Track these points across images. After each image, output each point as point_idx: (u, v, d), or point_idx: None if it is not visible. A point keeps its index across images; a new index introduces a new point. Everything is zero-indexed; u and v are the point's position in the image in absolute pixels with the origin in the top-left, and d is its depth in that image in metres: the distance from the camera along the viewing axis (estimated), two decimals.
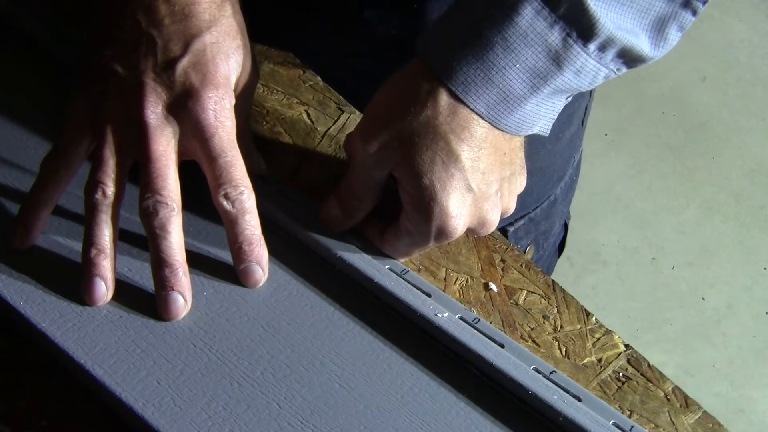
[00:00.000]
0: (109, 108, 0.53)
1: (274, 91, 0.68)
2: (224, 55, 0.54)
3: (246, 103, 0.59)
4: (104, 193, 0.52)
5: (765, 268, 1.93)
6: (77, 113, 0.54)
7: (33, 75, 0.67)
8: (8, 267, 0.54)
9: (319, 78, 0.70)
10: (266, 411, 0.49)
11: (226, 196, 0.53)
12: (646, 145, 2.14)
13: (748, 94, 2.26)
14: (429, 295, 0.55)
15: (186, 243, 0.53)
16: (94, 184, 0.52)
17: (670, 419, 0.53)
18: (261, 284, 0.55)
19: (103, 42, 0.54)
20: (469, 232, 0.55)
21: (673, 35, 0.54)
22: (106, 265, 0.52)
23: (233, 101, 0.55)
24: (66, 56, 0.67)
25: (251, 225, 0.53)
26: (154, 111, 0.52)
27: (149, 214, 0.51)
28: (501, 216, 0.56)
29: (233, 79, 0.55)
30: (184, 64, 0.53)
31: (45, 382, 0.51)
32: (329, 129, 0.67)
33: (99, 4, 0.56)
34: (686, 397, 0.54)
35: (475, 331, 0.53)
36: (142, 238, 0.54)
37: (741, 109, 2.23)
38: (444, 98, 0.52)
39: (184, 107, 0.53)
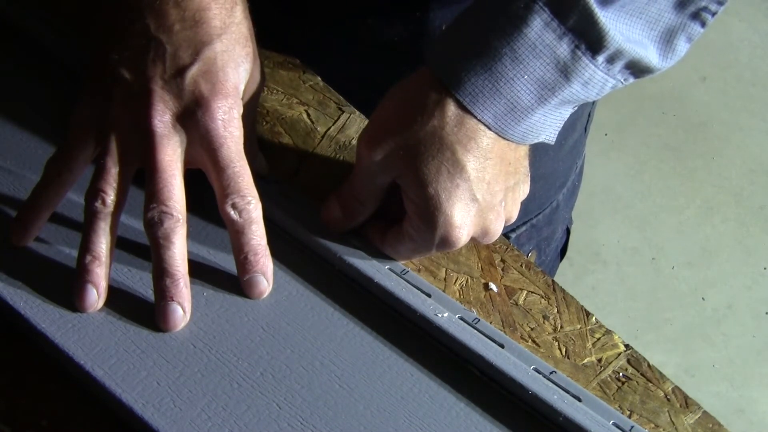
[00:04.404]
0: (115, 114, 0.52)
1: (274, 91, 0.68)
2: (234, 64, 0.54)
3: (252, 109, 0.58)
4: (104, 202, 0.52)
5: (765, 268, 1.93)
6: (82, 117, 0.53)
7: (33, 75, 0.67)
8: (8, 267, 0.54)
9: (319, 78, 0.70)
10: (266, 412, 0.49)
11: (234, 206, 0.52)
12: (646, 145, 2.14)
13: (748, 94, 2.26)
14: (429, 295, 0.55)
15: (187, 245, 0.53)
16: (94, 191, 0.52)
17: (670, 419, 0.53)
18: (265, 296, 0.54)
19: (111, 45, 0.54)
20: (472, 241, 0.55)
21: (682, 46, 0.54)
22: (99, 272, 0.52)
23: (242, 110, 0.54)
24: (66, 56, 0.67)
25: (257, 235, 0.53)
26: (162, 120, 0.52)
27: (154, 224, 0.51)
28: (504, 224, 0.56)
29: (242, 88, 0.55)
30: (193, 72, 0.52)
31: (45, 382, 0.51)
32: (329, 129, 0.67)
33: (107, 6, 0.55)
34: (686, 397, 0.54)
35: (475, 331, 0.53)
36: (144, 245, 0.53)
37: (741, 109, 2.23)
38: (451, 109, 0.51)
39: (193, 117, 0.52)
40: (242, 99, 0.55)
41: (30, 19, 0.69)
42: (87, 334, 0.51)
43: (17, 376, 0.51)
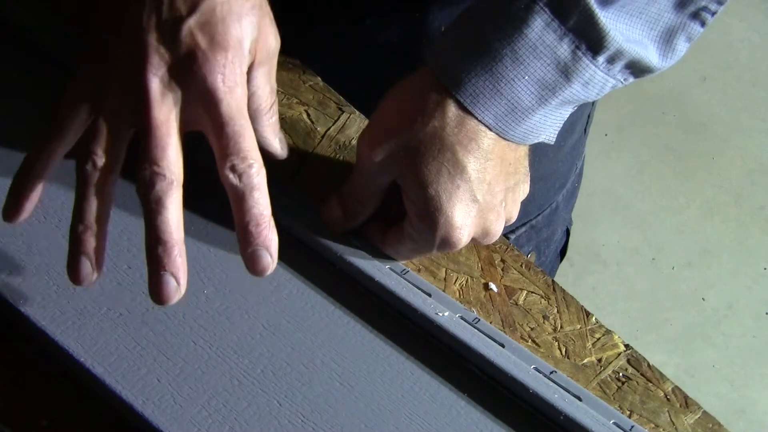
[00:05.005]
0: (108, 72, 0.49)
1: None
2: (236, 16, 0.50)
3: (268, 67, 0.54)
4: (94, 164, 0.47)
5: (765, 268, 1.93)
6: (77, 84, 0.51)
7: (33, 75, 0.67)
8: (8, 266, 0.54)
9: (319, 78, 0.70)
10: (267, 409, 0.49)
11: (233, 169, 0.47)
12: (646, 145, 2.14)
13: (748, 94, 2.26)
14: (429, 295, 0.55)
15: (186, 240, 0.52)
16: (84, 154, 0.48)
17: (670, 419, 0.53)
18: (269, 272, 0.48)
19: (108, 15, 0.51)
20: (473, 241, 0.55)
21: (681, 46, 0.54)
22: (92, 241, 0.47)
23: (245, 67, 0.50)
24: (66, 56, 0.67)
25: (260, 203, 0.47)
26: (156, 74, 0.48)
27: (145, 186, 0.46)
28: (504, 224, 0.56)
29: (247, 44, 0.50)
30: (190, 24, 0.49)
31: (45, 382, 0.51)
32: (329, 129, 0.67)
33: (106, 3, 0.52)
34: (686, 397, 0.54)
35: (476, 330, 0.53)
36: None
37: (741, 109, 2.23)
38: (452, 109, 0.51)
39: (190, 70, 0.48)
40: (253, 57, 0.51)
41: (30, 19, 0.69)
42: (87, 332, 0.51)
43: (17, 376, 0.51)
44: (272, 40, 0.53)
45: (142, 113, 0.48)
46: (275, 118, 0.56)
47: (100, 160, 0.47)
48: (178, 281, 0.46)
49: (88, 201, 0.47)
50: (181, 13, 0.49)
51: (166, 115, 0.48)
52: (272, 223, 0.48)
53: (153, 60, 0.48)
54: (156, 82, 0.48)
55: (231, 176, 0.47)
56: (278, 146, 0.57)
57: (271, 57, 0.53)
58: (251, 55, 0.51)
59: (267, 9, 0.52)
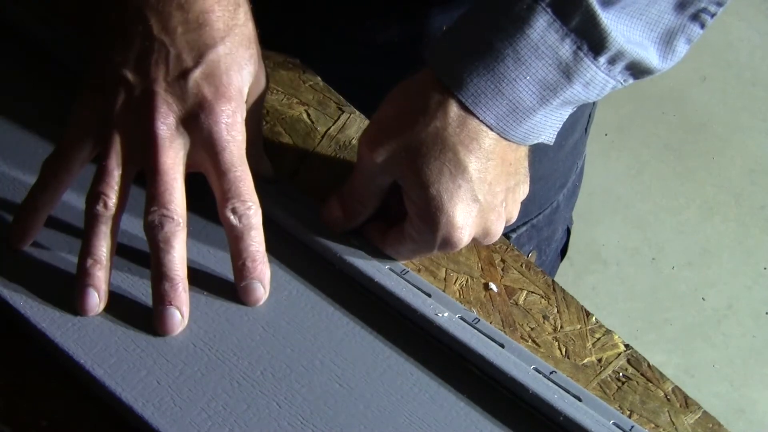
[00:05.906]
0: (117, 116, 0.52)
1: (274, 91, 0.68)
2: (238, 67, 0.53)
3: (257, 110, 0.58)
4: (105, 205, 0.51)
5: (765, 268, 1.93)
6: (82, 117, 0.53)
7: (33, 75, 0.67)
8: (8, 267, 0.54)
9: (319, 78, 0.70)
10: (266, 411, 0.49)
11: (234, 211, 0.52)
12: (646, 145, 2.14)
13: (748, 94, 2.26)
14: (429, 295, 0.55)
15: (186, 240, 0.52)
16: (96, 195, 0.52)
17: (670, 419, 0.53)
18: (261, 303, 0.54)
19: (113, 46, 0.53)
20: (473, 241, 0.55)
21: (681, 48, 0.54)
22: (101, 275, 0.52)
23: (245, 114, 0.54)
24: (66, 56, 0.67)
25: (256, 241, 0.53)
26: (165, 122, 0.52)
27: (154, 227, 0.51)
28: (504, 224, 0.56)
29: (245, 91, 0.54)
30: (196, 75, 0.52)
31: (45, 382, 0.51)
32: (329, 129, 0.67)
33: (108, 6, 0.55)
34: (686, 397, 0.54)
35: (476, 330, 0.53)
36: (145, 245, 0.53)
37: (741, 109, 2.23)
38: (454, 110, 0.51)
39: (196, 120, 0.52)
40: (246, 102, 0.55)
41: (30, 19, 0.69)
42: (87, 334, 0.51)
43: (17, 376, 0.51)
44: (264, 83, 0.57)
45: (150, 158, 0.52)
46: (260, 146, 0.60)
47: (111, 201, 0.52)
48: (182, 314, 0.52)
49: (98, 238, 0.52)
50: (187, 65, 0.52)
51: (173, 160, 0.52)
52: (266, 258, 0.54)
53: (162, 109, 0.52)
54: (164, 129, 0.52)
55: (232, 217, 0.52)
56: (263, 170, 0.60)
57: (260, 97, 0.57)
58: (247, 98, 0.55)
59: (259, 55, 0.56)
